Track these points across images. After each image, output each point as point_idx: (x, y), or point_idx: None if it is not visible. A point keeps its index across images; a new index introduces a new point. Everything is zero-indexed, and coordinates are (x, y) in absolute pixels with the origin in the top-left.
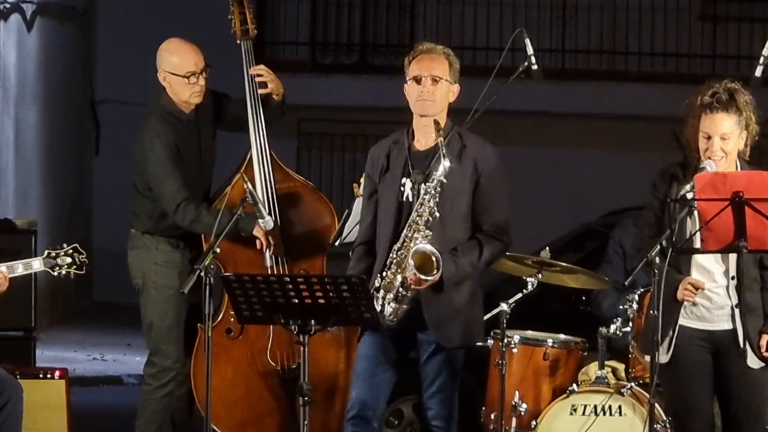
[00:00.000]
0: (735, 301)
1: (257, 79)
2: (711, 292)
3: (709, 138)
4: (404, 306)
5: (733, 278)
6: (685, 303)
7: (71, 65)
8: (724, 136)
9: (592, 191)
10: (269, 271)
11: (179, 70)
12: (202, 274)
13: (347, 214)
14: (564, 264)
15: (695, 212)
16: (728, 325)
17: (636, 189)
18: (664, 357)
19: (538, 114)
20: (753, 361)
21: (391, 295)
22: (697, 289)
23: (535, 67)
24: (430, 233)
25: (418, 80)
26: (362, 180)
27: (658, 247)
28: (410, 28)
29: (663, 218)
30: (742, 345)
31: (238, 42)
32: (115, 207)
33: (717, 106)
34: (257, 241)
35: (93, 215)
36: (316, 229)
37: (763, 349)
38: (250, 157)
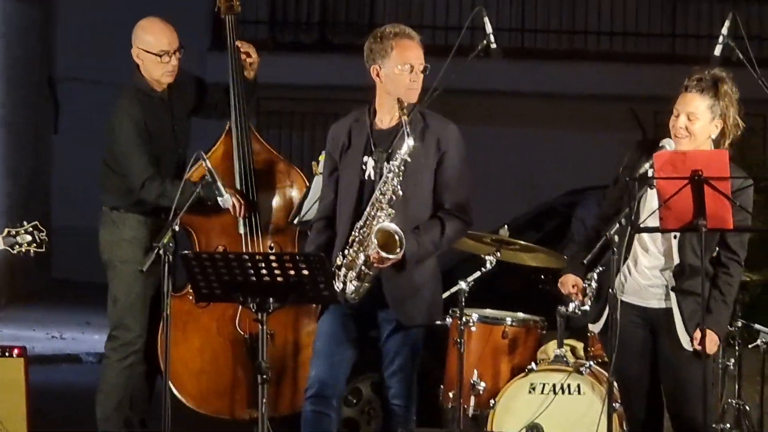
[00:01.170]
0: (673, 284)
1: (244, 58)
2: (647, 269)
3: (677, 116)
4: (366, 284)
5: (677, 266)
6: (621, 277)
7: (31, 44)
8: (690, 116)
9: (552, 170)
10: (242, 239)
11: (152, 48)
12: (161, 251)
13: (306, 192)
14: (523, 242)
15: (654, 190)
16: (662, 304)
17: (596, 168)
18: (597, 326)
19: (498, 93)
20: (686, 342)
21: (353, 274)
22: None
23: (494, 46)
24: (393, 212)
25: (411, 68)
26: (321, 158)
27: (617, 225)
28: (370, 7)
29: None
30: (678, 330)
31: (223, 17)
32: (75, 185)
33: (695, 86)
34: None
35: (52, 193)
36: (290, 201)
37: (695, 342)
38: (230, 128)
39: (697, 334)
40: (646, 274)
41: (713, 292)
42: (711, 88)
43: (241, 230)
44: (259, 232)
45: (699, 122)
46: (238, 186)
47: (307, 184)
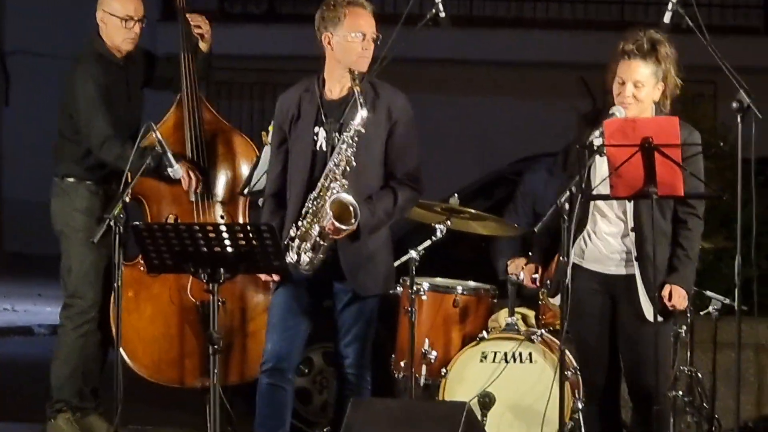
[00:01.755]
0: (635, 253)
1: (195, 31)
2: (607, 237)
3: (622, 83)
4: (320, 255)
5: (632, 230)
6: (581, 244)
7: None
8: (637, 84)
9: (502, 138)
10: (194, 208)
11: (118, 12)
12: (111, 223)
13: (256, 161)
14: (473, 211)
15: (604, 158)
16: (621, 271)
17: (545, 136)
18: (556, 299)
19: (447, 61)
20: (649, 313)
21: (307, 245)
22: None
23: (442, 14)
24: (347, 182)
25: (363, 36)
26: (270, 128)
27: (568, 193)
28: None
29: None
30: (641, 297)
31: None
32: (25, 157)
33: (636, 53)
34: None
35: (3, 166)
36: (241, 171)
37: (666, 299)
38: (181, 99)
39: (665, 292)
40: (607, 240)
41: (676, 250)
42: (652, 53)
43: (192, 198)
44: (210, 202)
45: (645, 89)
46: (189, 156)
47: (258, 153)
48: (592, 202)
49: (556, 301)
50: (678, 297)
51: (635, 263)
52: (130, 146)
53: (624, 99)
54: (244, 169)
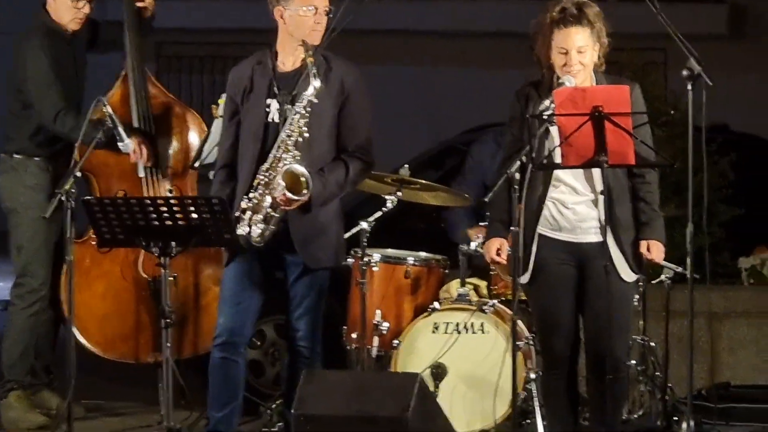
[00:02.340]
0: (603, 216)
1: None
2: (576, 206)
3: (566, 53)
4: (272, 227)
5: (602, 193)
6: (544, 214)
7: None
8: (580, 50)
9: (452, 109)
10: (142, 183)
11: None
12: (63, 198)
13: (206, 135)
14: (423, 181)
15: (555, 128)
16: (594, 238)
17: (495, 106)
18: (525, 277)
19: (397, 32)
20: (627, 275)
21: (259, 216)
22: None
23: None
24: (299, 153)
25: (315, 10)
26: (221, 101)
27: (518, 163)
28: None
29: (522, 138)
30: (615, 260)
31: None
32: None
33: (570, 20)
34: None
35: None
36: (188, 145)
37: (645, 254)
38: (126, 74)
39: (643, 248)
40: (577, 209)
41: (639, 204)
42: (582, 16)
43: (141, 174)
44: (158, 176)
45: (588, 53)
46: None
47: (205, 127)
48: (554, 173)
49: (523, 279)
50: (657, 250)
51: (607, 227)
52: (82, 119)
53: (572, 67)
54: (192, 143)
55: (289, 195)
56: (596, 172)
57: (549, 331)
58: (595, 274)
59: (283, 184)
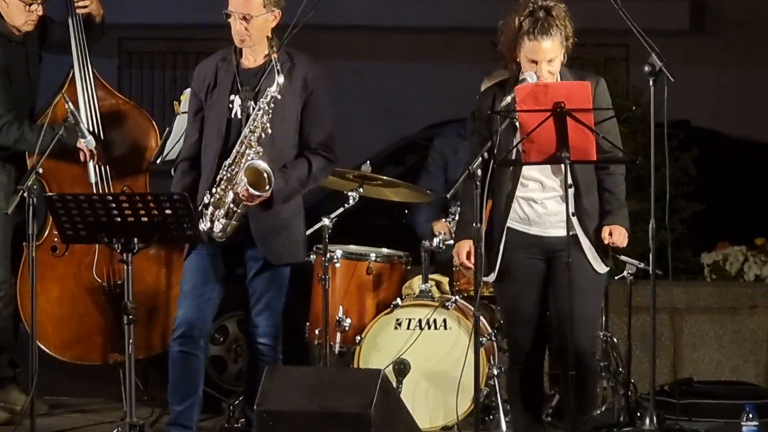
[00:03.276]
0: (572, 209)
1: (78, 4)
2: (547, 201)
3: (535, 63)
4: (234, 222)
5: (570, 186)
6: (514, 209)
7: None
8: (550, 60)
9: (413, 104)
10: (93, 188)
11: None
12: (25, 194)
13: (168, 131)
14: (385, 178)
15: (517, 124)
16: (562, 232)
17: (457, 101)
18: (491, 276)
19: (358, 28)
20: (598, 266)
21: (221, 212)
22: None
23: None
24: (262, 150)
25: (231, 17)
26: (183, 97)
27: (480, 159)
28: None
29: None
30: (587, 252)
31: None
32: None
33: (540, 32)
34: (80, 154)
35: None
36: (139, 146)
37: (607, 239)
38: (73, 75)
39: (605, 233)
40: (546, 204)
41: (603, 194)
42: (552, 23)
43: (92, 179)
44: (110, 179)
45: (557, 59)
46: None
47: (156, 127)
48: (522, 169)
49: (489, 279)
50: (619, 234)
51: (575, 220)
52: (28, 127)
53: (541, 77)
54: (143, 144)
55: (252, 191)
56: (562, 167)
57: (515, 325)
58: (561, 267)
59: (246, 179)
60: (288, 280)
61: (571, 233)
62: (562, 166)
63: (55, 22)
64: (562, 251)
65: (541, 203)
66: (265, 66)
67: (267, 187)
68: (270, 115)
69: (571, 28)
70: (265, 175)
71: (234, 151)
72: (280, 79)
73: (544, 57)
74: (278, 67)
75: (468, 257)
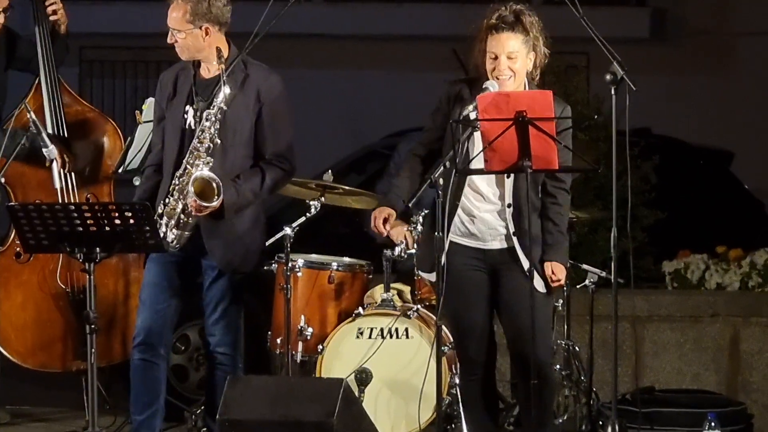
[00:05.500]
0: (513, 228)
1: (48, 7)
2: (485, 214)
3: (495, 58)
4: (186, 232)
5: (509, 205)
6: (455, 221)
7: None
8: (510, 55)
9: (374, 113)
10: (58, 194)
11: None
12: None
13: (130, 140)
14: (346, 187)
15: (478, 132)
16: (504, 245)
17: (418, 109)
18: (432, 274)
19: (319, 36)
20: (540, 285)
21: (173, 222)
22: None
23: None
24: (212, 160)
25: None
26: (144, 107)
27: (442, 168)
28: None
29: (445, 137)
30: (527, 270)
31: None
32: None
33: (503, 26)
34: (47, 160)
35: None
36: (104, 153)
37: (551, 277)
38: (38, 82)
39: (548, 271)
40: (484, 218)
41: (546, 224)
42: (518, 23)
43: (57, 185)
44: (75, 186)
45: (519, 60)
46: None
47: (121, 135)
48: (467, 179)
49: (431, 276)
50: (560, 272)
51: (514, 238)
52: None
53: (501, 73)
54: (108, 151)
55: (200, 201)
56: (508, 184)
57: (463, 335)
58: (508, 278)
59: (193, 190)
60: (243, 289)
61: (509, 246)
62: (506, 183)
63: (21, 37)
64: (504, 262)
65: (479, 216)
66: (219, 77)
67: (215, 198)
68: (218, 126)
69: (541, 37)
70: (214, 185)
71: (183, 161)
72: (227, 90)
73: (504, 50)
74: (224, 78)
75: (384, 223)
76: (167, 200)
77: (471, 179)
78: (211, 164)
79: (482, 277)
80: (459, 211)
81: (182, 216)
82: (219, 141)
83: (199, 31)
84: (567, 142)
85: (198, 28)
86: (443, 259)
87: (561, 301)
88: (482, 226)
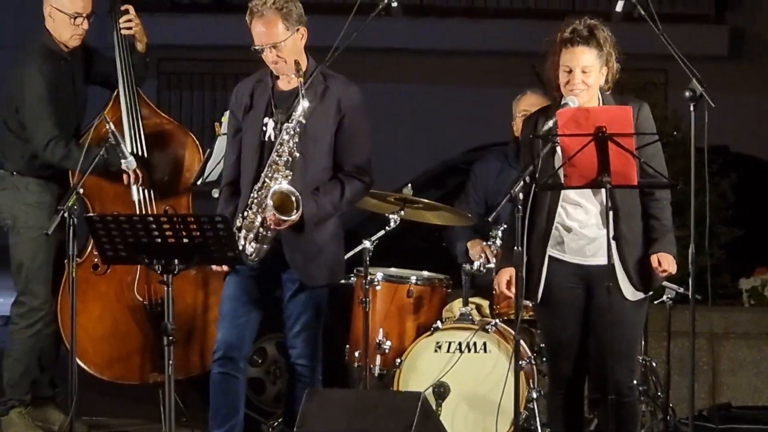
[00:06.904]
0: (612, 233)
1: (123, 24)
2: (584, 228)
3: (570, 71)
4: (265, 246)
5: (610, 209)
6: (554, 235)
7: None
8: (585, 69)
9: (453, 128)
10: (136, 206)
11: (67, 8)
12: (66, 214)
13: (209, 153)
14: (426, 201)
15: (558, 148)
16: (603, 260)
17: (496, 125)
18: (535, 297)
19: (399, 51)
20: (629, 292)
21: (252, 235)
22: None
23: (395, 4)
24: (291, 173)
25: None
26: (224, 119)
27: (522, 183)
28: None
29: (523, 152)
30: (620, 279)
31: None
32: None
33: (578, 40)
34: (124, 176)
35: None
36: (183, 166)
37: (657, 267)
38: (117, 94)
39: (654, 262)
40: (584, 231)
41: (649, 222)
42: (592, 38)
43: (135, 198)
44: (153, 199)
45: (593, 74)
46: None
47: (200, 146)
48: (562, 193)
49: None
50: (667, 262)
51: (613, 245)
52: (74, 145)
53: (574, 86)
54: (187, 163)
55: (279, 215)
56: (604, 191)
57: (555, 352)
58: (599, 296)
59: (272, 203)
60: (325, 302)
61: (605, 262)
62: (602, 190)
63: (99, 52)
64: (600, 279)
65: (579, 230)
66: (298, 89)
67: (294, 212)
68: (296, 139)
69: (614, 53)
70: (293, 198)
71: (262, 174)
72: (306, 103)
73: (578, 64)
74: (303, 91)
75: (508, 286)
76: (246, 213)
77: (564, 194)
78: (290, 177)
79: (579, 295)
80: (557, 225)
81: (261, 229)
82: (298, 154)
83: (297, 35)
84: (652, 151)
85: (294, 32)
86: (523, 273)
87: None
88: (582, 240)
